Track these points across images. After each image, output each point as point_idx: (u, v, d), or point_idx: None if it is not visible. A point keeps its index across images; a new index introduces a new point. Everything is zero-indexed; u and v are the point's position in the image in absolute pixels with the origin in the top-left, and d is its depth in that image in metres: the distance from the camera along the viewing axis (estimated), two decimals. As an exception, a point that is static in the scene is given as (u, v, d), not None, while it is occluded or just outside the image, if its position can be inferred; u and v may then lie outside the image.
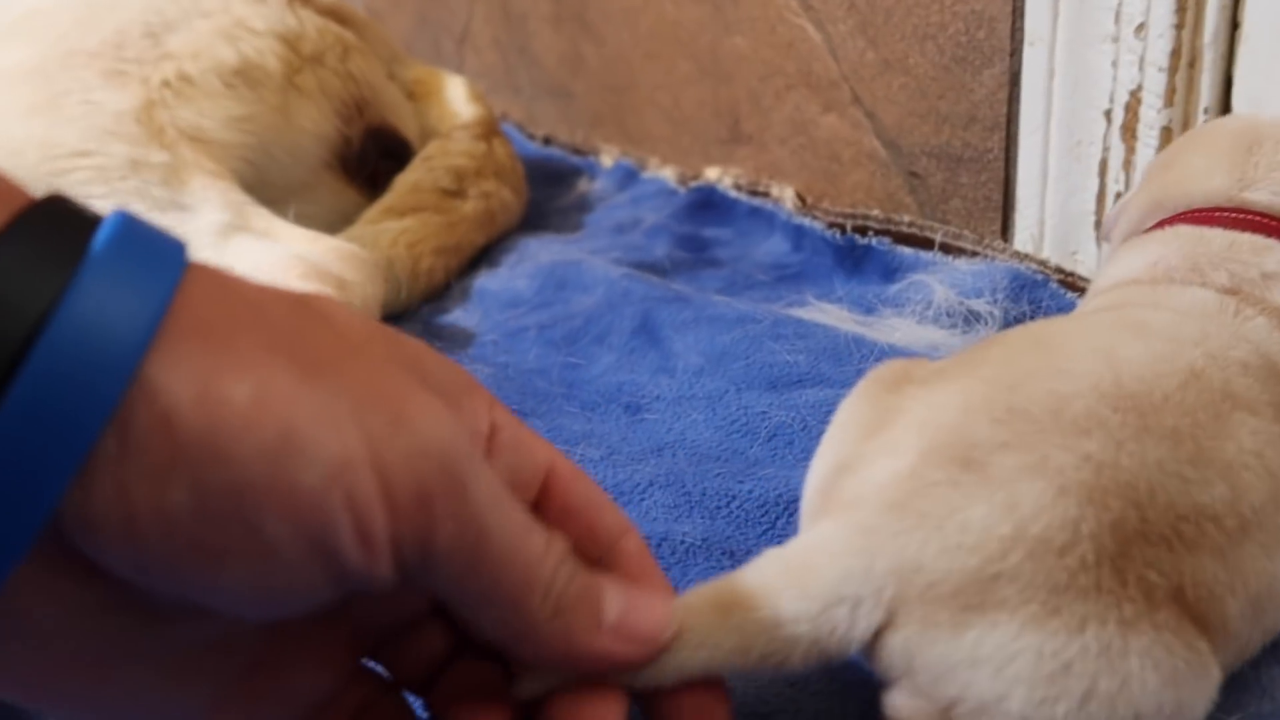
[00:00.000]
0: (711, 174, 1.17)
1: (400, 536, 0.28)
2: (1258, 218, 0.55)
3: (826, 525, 0.42)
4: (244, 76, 1.01)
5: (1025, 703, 0.36)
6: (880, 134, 0.94)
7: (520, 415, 0.72)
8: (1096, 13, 0.74)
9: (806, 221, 0.99)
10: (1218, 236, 0.55)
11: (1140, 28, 0.71)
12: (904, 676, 0.39)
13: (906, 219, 0.90)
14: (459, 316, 0.95)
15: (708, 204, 1.13)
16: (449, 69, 1.81)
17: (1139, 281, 0.55)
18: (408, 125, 1.20)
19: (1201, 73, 0.71)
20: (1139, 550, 0.38)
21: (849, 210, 0.97)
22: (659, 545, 0.57)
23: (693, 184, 1.17)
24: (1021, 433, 0.40)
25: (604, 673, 0.34)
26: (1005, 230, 0.85)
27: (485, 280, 1.00)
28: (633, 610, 0.35)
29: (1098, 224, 0.78)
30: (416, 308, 0.98)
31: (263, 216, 0.90)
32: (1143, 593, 0.37)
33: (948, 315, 0.77)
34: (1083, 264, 0.80)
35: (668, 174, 1.23)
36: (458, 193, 1.08)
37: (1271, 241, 0.54)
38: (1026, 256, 0.82)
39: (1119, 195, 0.76)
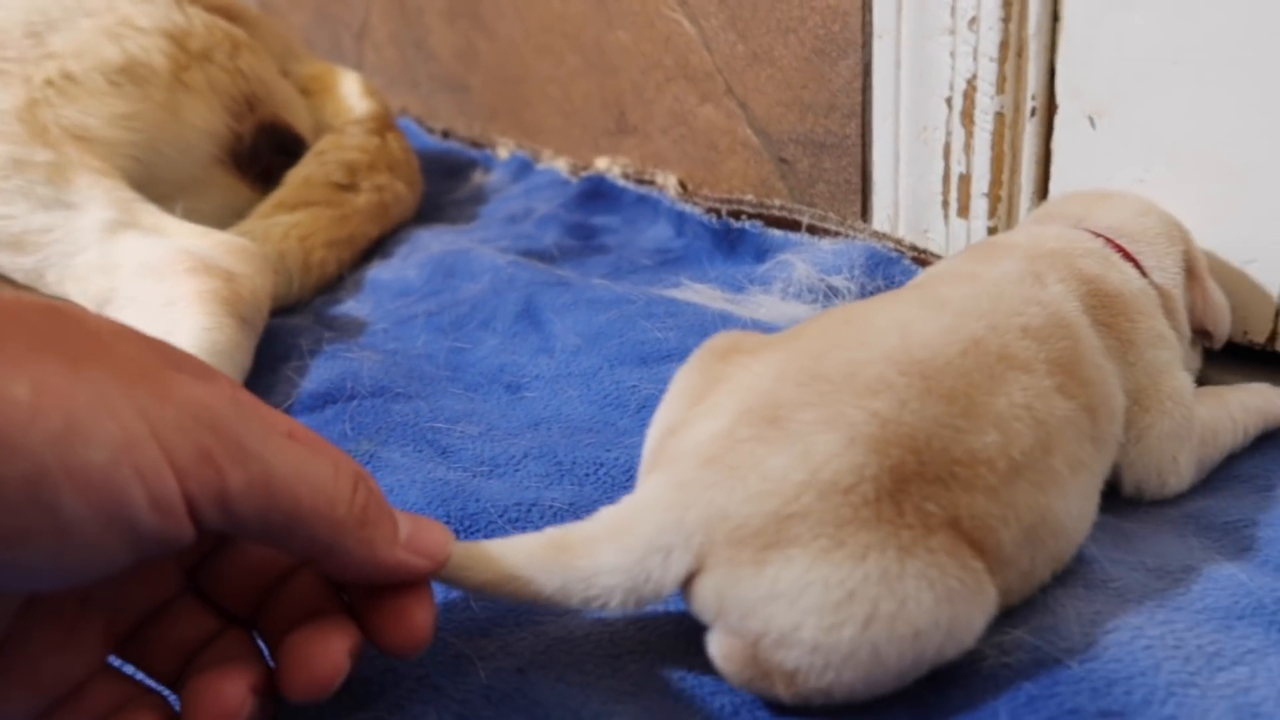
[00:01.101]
0: (601, 164, 1.21)
1: (192, 495, 0.31)
2: (1098, 231, 0.63)
3: (649, 482, 0.46)
4: (129, 74, 1.02)
5: (816, 630, 0.41)
6: (752, 123, 0.99)
7: (406, 398, 0.76)
8: (935, 7, 0.80)
9: (688, 208, 1.04)
10: (1063, 230, 0.63)
11: (973, 21, 0.77)
12: (718, 617, 0.43)
13: (777, 203, 0.96)
14: (351, 306, 0.97)
15: (597, 193, 1.17)
16: (349, 64, 1.82)
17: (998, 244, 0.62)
18: (301, 120, 1.22)
19: (1028, 62, 0.77)
20: (916, 488, 0.43)
21: (725, 196, 1.02)
22: (529, 510, 0.61)
23: (583, 174, 1.20)
24: (821, 394, 0.45)
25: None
26: (865, 211, 0.91)
27: (378, 271, 1.03)
28: (419, 530, 0.40)
29: (945, 204, 0.84)
30: (310, 299, 1.00)
31: (151, 213, 0.91)
32: (920, 520, 0.43)
33: (809, 291, 0.82)
34: (934, 241, 0.87)
35: (560, 165, 1.27)
36: (350, 186, 1.10)
37: (1100, 242, 0.62)
38: (884, 235, 0.88)
39: (962, 177, 0.82)
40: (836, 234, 0.89)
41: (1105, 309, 0.57)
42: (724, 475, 0.44)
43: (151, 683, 0.40)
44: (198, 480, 0.31)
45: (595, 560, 0.43)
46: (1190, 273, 0.65)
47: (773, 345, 0.51)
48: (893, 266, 0.83)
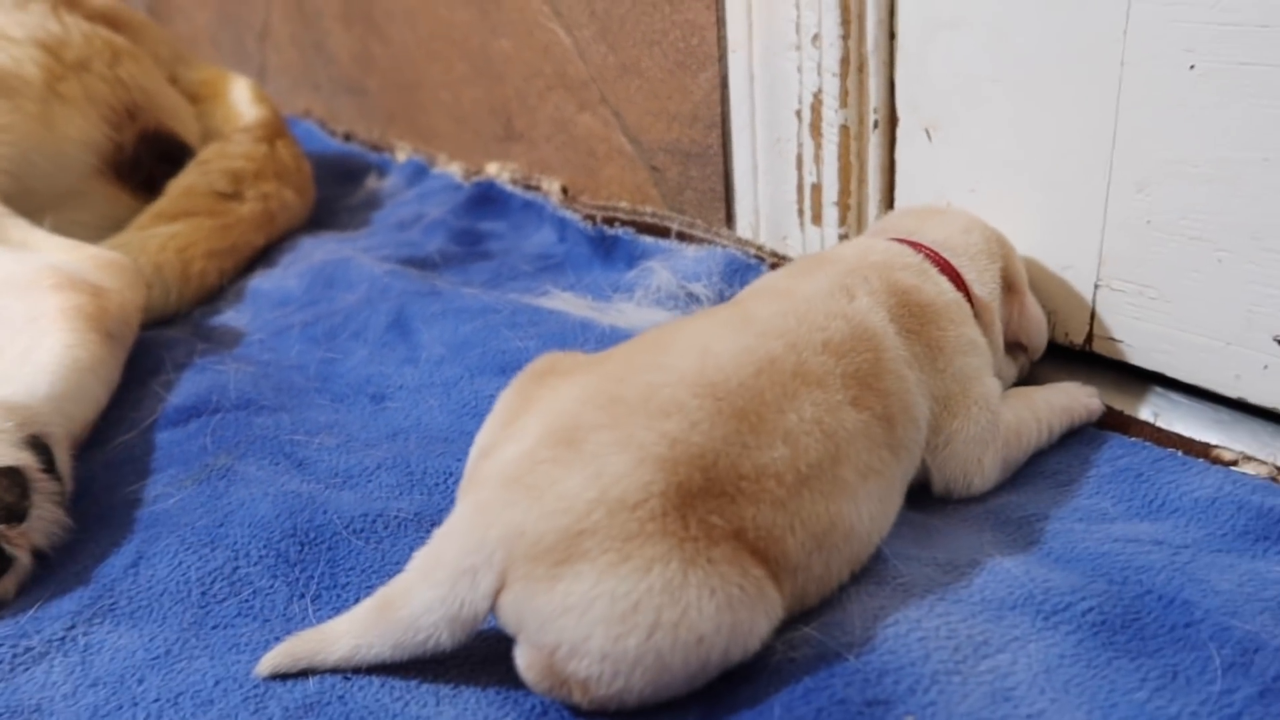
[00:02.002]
0: (492, 169, 1.23)
1: None
2: (922, 245, 0.66)
3: (457, 508, 0.49)
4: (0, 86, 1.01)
5: (604, 640, 0.44)
6: (626, 131, 1.02)
7: (271, 410, 0.78)
8: (782, 23, 0.83)
9: (569, 214, 1.06)
10: (890, 244, 0.66)
11: (816, 37, 0.81)
12: (519, 631, 0.46)
13: (649, 210, 0.98)
14: (230, 317, 0.98)
15: (486, 198, 1.18)
16: (253, 65, 1.82)
17: (824, 258, 0.65)
18: (188, 128, 1.21)
19: (869, 77, 0.80)
20: (702, 503, 0.46)
21: (603, 203, 1.04)
22: (375, 521, 0.63)
23: (475, 179, 1.22)
24: (617, 416, 0.48)
25: None
26: (729, 218, 0.94)
27: (260, 280, 1.03)
28: None
29: (800, 212, 0.88)
30: (189, 310, 1.00)
31: (19, 227, 0.91)
32: (704, 533, 0.46)
33: (670, 298, 0.85)
34: (792, 247, 0.90)
35: (454, 169, 1.29)
36: (234, 195, 1.10)
37: (921, 257, 0.65)
38: (746, 242, 0.91)
39: (814, 186, 0.86)
40: (703, 240, 0.92)
41: (915, 319, 0.61)
42: (523, 495, 0.46)
43: None
44: None
45: (412, 605, 0.46)
46: (1010, 287, 0.69)
47: (584, 368, 0.53)
48: (750, 273, 0.86)
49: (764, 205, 0.90)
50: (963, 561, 0.55)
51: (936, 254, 0.66)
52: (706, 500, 0.46)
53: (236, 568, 0.60)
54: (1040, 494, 0.63)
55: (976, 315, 0.65)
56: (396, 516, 0.63)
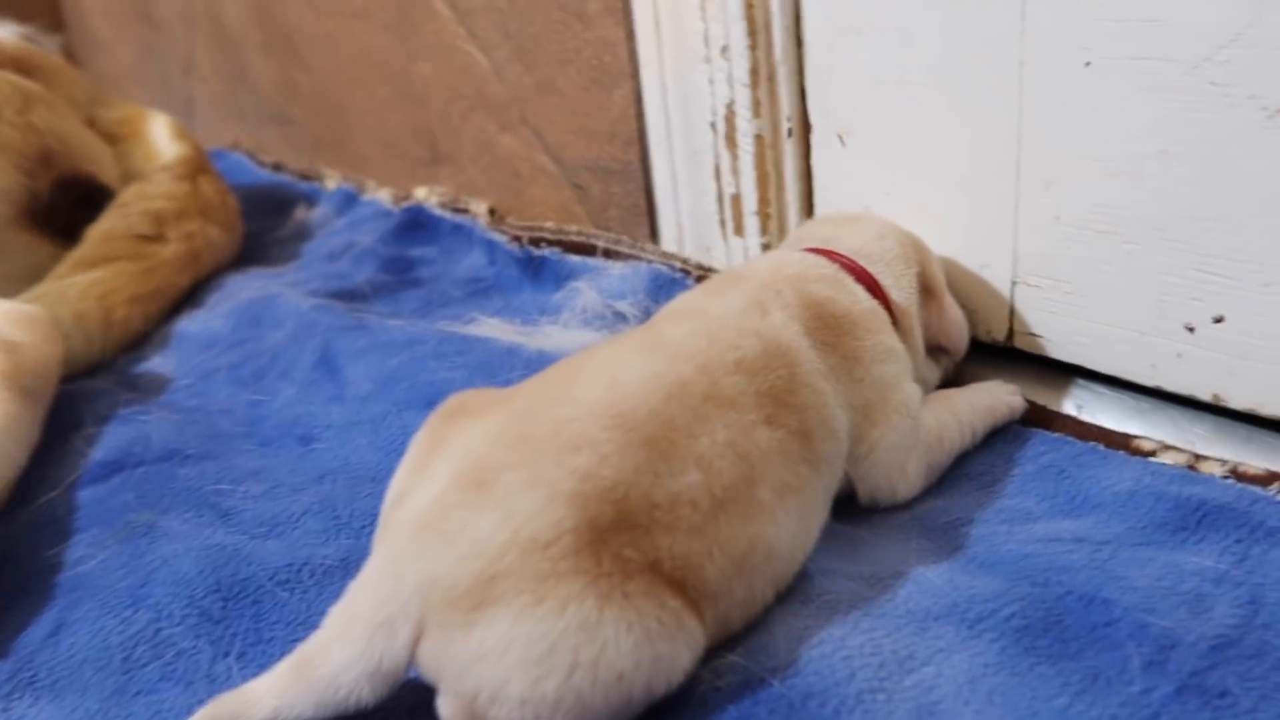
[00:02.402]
0: (420, 193, 1.22)
1: None
2: (838, 255, 0.66)
3: (371, 559, 0.48)
4: (-96, 139, 0.98)
5: (522, 683, 0.43)
6: (548, 150, 1.01)
7: (196, 460, 0.76)
8: (690, 37, 0.82)
9: (497, 236, 1.05)
10: (804, 256, 0.66)
11: (724, 49, 0.80)
12: (439, 679, 0.45)
13: (575, 228, 0.98)
14: (156, 363, 0.96)
15: (416, 223, 1.17)
16: (179, 98, 1.79)
17: (737, 275, 0.65)
18: (106, 171, 1.19)
19: (780, 86, 0.80)
20: (615, 536, 0.46)
21: (528, 223, 1.04)
22: (300, 570, 0.62)
23: (404, 204, 1.21)
24: (525, 455, 0.47)
25: None
26: (654, 233, 0.94)
27: (186, 323, 1.02)
28: None
29: (722, 223, 0.88)
30: (113, 358, 0.98)
31: (-70, 285, 0.89)
32: (618, 567, 0.45)
33: (597, 318, 0.84)
34: (717, 259, 0.90)
35: (384, 195, 1.27)
36: (157, 237, 1.08)
37: (835, 267, 0.65)
38: (671, 256, 0.91)
39: (734, 197, 0.85)
40: (629, 256, 0.92)
41: (831, 330, 0.60)
42: (435, 541, 0.46)
43: None
44: None
45: (331, 663, 0.45)
46: (928, 291, 0.70)
47: (494, 405, 0.53)
48: (676, 287, 0.86)
49: (686, 218, 0.90)
50: (888, 573, 0.55)
51: (852, 262, 0.66)
52: (620, 533, 0.46)
53: (159, 629, 0.58)
54: (966, 497, 0.63)
55: (895, 321, 0.65)
56: (323, 564, 0.62)
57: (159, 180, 1.16)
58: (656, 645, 0.45)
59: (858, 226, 0.70)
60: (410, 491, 0.50)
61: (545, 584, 0.44)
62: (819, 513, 0.56)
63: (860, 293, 0.64)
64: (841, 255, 0.66)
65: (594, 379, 0.52)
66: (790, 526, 0.53)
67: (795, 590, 0.54)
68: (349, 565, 0.63)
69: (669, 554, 0.47)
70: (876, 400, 0.61)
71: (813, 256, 0.66)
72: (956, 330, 0.70)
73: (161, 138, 1.24)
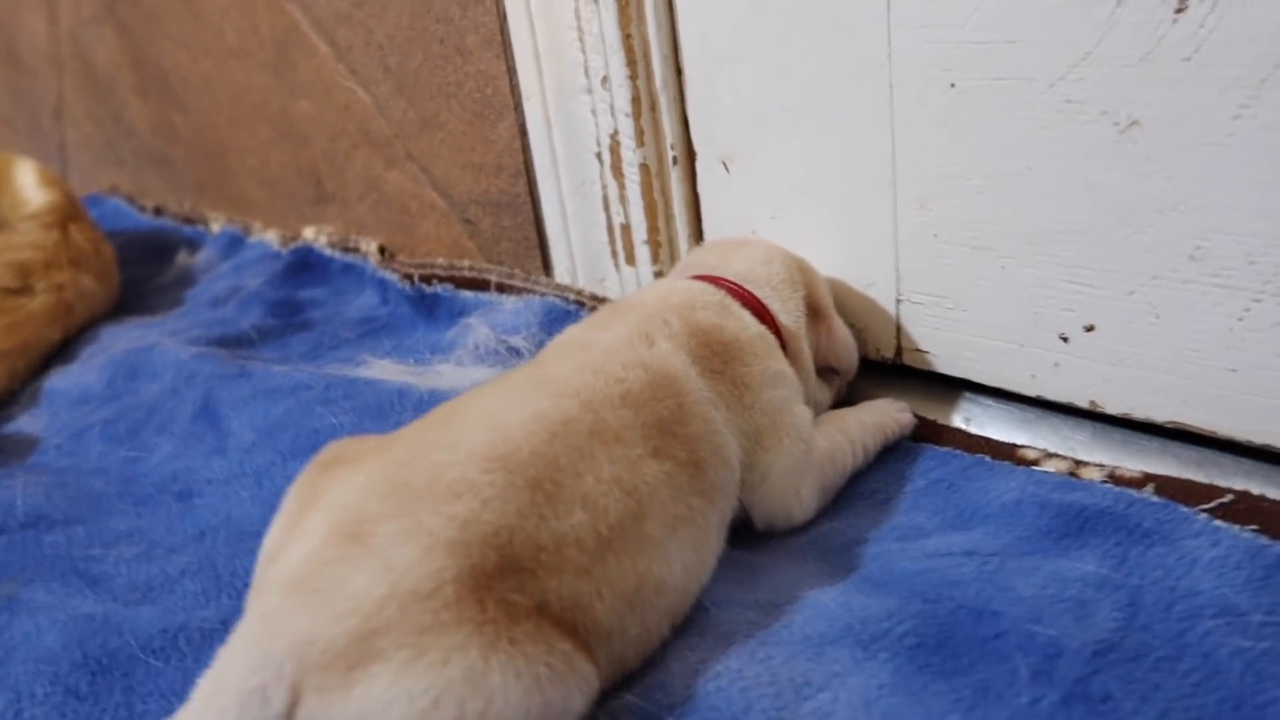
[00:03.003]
0: (309, 233, 1.19)
1: None
2: (724, 281, 0.66)
3: (242, 622, 0.46)
4: None
5: None
6: (435, 185, 0.99)
7: (64, 524, 0.72)
8: (570, 68, 0.82)
9: (389, 275, 1.03)
10: (690, 284, 0.65)
11: (605, 80, 0.80)
12: None
13: (466, 264, 0.96)
14: (24, 423, 0.91)
15: (305, 264, 1.14)
16: (52, 143, 1.71)
17: (623, 306, 0.64)
18: (-33, 222, 1.13)
19: (662, 114, 0.81)
20: (499, 582, 0.44)
21: (420, 260, 1.02)
22: (176, 637, 0.58)
23: (293, 245, 1.17)
24: (402, 505, 0.45)
25: None
26: (546, 265, 0.93)
27: (57, 379, 0.96)
28: None
29: (614, 253, 0.87)
30: (-23, 420, 0.92)
31: None
32: (504, 613, 0.43)
33: (491, 354, 0.83)
34: (610, 289, 0.89)
35: (271, 236, 1.23)
36: (23, 290, 1.03)
37: (722, 293, 0.64)
38: (565, 288, 0.90)
39: (623, 226, 0.85)
40: (522, 290, 0.91)
41: (719, 357, 0.60)
42: (310, 599, 0.43)
43: None
44: None
45: None
46: (816, 312, 0.70)
47: (371, 454, 0.51)
48: (569, 319, 0.85)
49: (578, 249, 0.89)
50: (784, 599, 0.55)
51: (739, 288, 0.66)
52: (505, 579, 0.44)
53: (19, 711, 0.54)
54: (860, 516, 0.63)
55: (784, 345, 0.66)
56: (201, 628, 0.59)
57: (25, 229, 1.10)
58: (546, 692, 0.44)
59: (744, 252, 0.70)
60: (284, 548, 0.47)
61: (426, 636, 0.42)
62: (713, 542, 0.56)
63: (747, 318, 0.64)
64: (728, 281, 0.66)
65: (474, 423, 0.50)
66: (683, 559, 0.52)
67: (692, 623, 0.54)
68: (231, 627, 0.59)
69: (556, 596, 0.46)
70: (767, 426, 0.61)
71: (699, 284, 0.66)
72: (845, 350, 0.71)
73: (28, 185, 1.18)
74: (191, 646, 0.58)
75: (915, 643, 0.50)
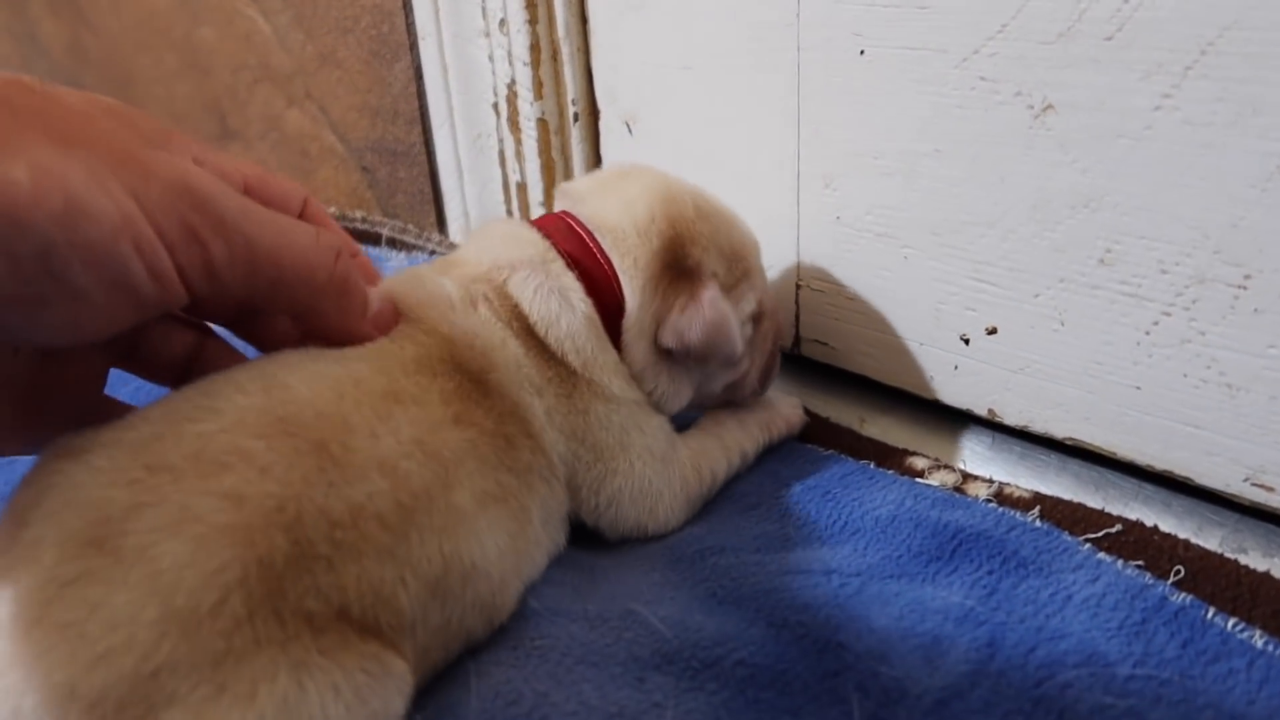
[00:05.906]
0: (212, 172, 1.11)
1: (182, 267, 0.35)
2: (576, 226, 0.55)
3: None
4: None
5: None
6: (334, 128, 0.92)
7: None
8: (468, 6, 0.75)
9: (283, 220, 0.96)
10: (519, 232, 0.56)
11: (502, 23, 0.73)
12: None
13: (359, 215, 0.89)
14: None
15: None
16: (-32, 58, 1.62)
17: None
18: None
19: (564, 66, 0.74)
20: (294, 581, 0.37)
21: (314, 208, 0.95)
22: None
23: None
24: (158, 487, 0.36)
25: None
26: (440, 221, 0.86)
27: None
28: (381, 310, 0.47)
29: (510, 213, 0.81)
30: None
31: None
32: (306, 625, 0.37)
33: (365, 316, 0.76)
34: (506, 252, 0.83)
35: (175, 172, 1.16)
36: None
37: (546, 244, 0.54)
38: (457, 246, 0.84)
39: (519, 185, 0.79)
40: (413, 247, 0.84)
41: (537, 340, 0.53)
42: (56, 639, 0.34)
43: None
44: (186, 254, 0.35)
45: None
46: (684, 274, 0.62)
47: (105, 438, 0.39)
48: (455, 283, 0.78)
49: (473, 206, 0.83)
50: (615, 614, 0.49)
51: (581, 240, 0.56)
52: (299, 575, 0.37)
53: None
54: (724, 522, 0.58)
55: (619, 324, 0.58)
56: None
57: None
58: (370, 702, 0.38)
59: (619, 185, 0.57)
60: (1, 574, 0.36)
61: (223, 668, 0.34)
62: (538, 534, 0.50)
63: (573, 295, 0.53)
64: (579, 226, 0.55)
65: (246, 385, 0.42)
66: (496, 541, 0.46)
67: (509, 633, 0.48)
68: None
69: (357, 592, 0.39)
70: (611, 443, 0.53)
71: (529, 233, 0.55)
72: (701, 333, 0.61)
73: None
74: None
75: (747, 674, 0.45)
